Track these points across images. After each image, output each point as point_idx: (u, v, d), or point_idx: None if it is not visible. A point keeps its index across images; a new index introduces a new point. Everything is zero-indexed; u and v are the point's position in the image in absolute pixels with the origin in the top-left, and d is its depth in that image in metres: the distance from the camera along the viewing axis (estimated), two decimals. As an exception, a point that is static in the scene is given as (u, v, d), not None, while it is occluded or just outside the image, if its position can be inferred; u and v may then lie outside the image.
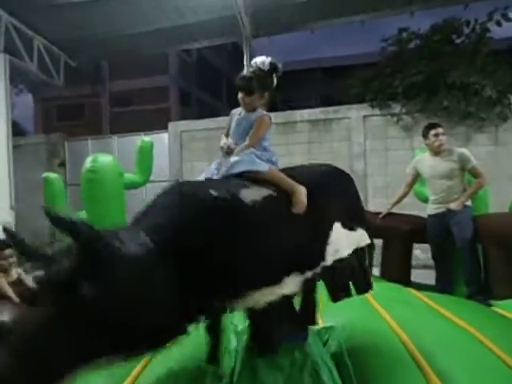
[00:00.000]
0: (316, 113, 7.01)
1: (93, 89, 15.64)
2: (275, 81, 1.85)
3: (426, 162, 3.50)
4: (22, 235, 1.16)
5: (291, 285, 1.52)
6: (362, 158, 6.72)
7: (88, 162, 3.92)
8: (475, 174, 3.29)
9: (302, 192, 1.60)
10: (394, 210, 3.77)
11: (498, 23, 6.41)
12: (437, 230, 3.45)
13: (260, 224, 1.45)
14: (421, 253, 5.39)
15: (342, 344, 1.98)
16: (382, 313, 2.44)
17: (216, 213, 1.36)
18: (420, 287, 3.58)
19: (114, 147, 8.94)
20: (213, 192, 1.39)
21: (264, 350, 1.60)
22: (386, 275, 3.81)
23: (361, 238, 1.93)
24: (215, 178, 1.67)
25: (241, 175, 1.60)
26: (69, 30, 7.90)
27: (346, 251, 1.78)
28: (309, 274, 1.61)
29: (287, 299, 1.60)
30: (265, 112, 1.81)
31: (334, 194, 1.84)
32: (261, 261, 1.42)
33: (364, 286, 1.92)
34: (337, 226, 1.77)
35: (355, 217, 1.94)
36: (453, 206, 3.27)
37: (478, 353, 1.91)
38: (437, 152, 3.39)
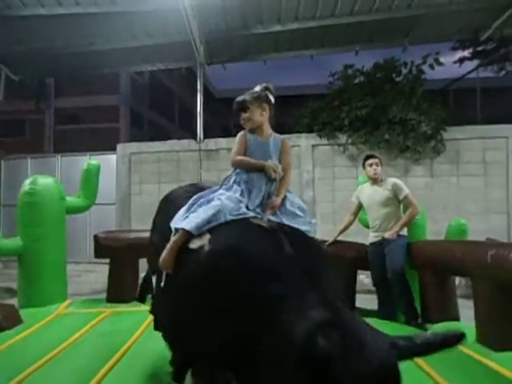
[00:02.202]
0: (267, 140, 7.17)
1: (36, 105, 14.89)
2: (272, 98, 1.87)
3: (365, 190, 3.69)
4: None
5: None
6: (310, 186, 6.95)
7: (26, 184, 3.67)
8: (407, 203, 3.46)
9: None
10: (340, 238, 3.90)
11: (431, 66, 7.05)
12: (376, 259, 3.58)
13: None
14: (365, 278, 5.60)
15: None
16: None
17: None
18: (363, 312, 3.69)
19: (57, 167, 8.51)
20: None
21: None
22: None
23: None
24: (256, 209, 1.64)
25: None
26: (12, 43, 7.54)
27: None
28: None
29: None
30: (280, 135, 1.87)
31: None
32: None
33: None
34: None
35: None
36: (387, 235, 3.41)
37: (413, 373, 1.99)
38: (374, 181, 3.60)
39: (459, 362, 2.22)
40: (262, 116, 1.80)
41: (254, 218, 1.56)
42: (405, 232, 3.49)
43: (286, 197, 1.71)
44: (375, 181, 3.59)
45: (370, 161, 3.59)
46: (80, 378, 2.06)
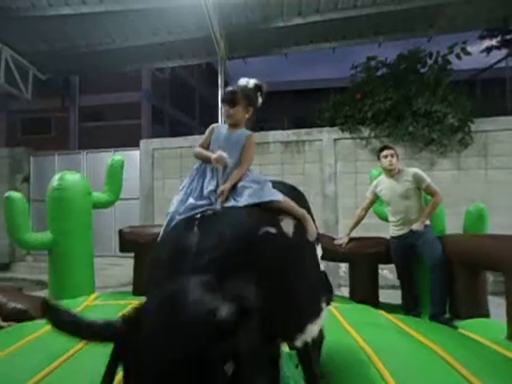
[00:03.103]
0: (288, 134, 7.15)
1: (61, 103, 15.30)
2: (260, 100, 1.86)
3: (383, 184, 3.59)
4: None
5: (324, 314, 1.55)
6: (332, 180, 6.88)
7: (55, 180, 3.77)
8: (430, 192, 3.37)
9: (310, 219, 1.70)
10: (362, 234, 3.86)
11: (458, 56, 6.83)
12: (401, 252, 3.52)
13: (302, 255, 1.53)
14: (389, 273, 5.53)
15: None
16: (353, 334, 2.47)
17: (278, 250, 1.37)
18: (388, 307, 3.65)
19: (82, 163, 8.72)
20: (270, 229, 1.39)
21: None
22: (354, 297, 3.86)
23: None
24: (206, 196, 1.61)
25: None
26: (39, 42, 7.77)
27: None
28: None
29: None
30: (249, 131, 1.81)
31: None
32: (310, 291, 1.47)
33: None
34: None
35: None
36: (415, 227, 3.34)
37: (443, 372, 1.96)
38: (390, 173, 3.50)
39: (490, 360, 2.17)
40: (243, 117, 1.80)
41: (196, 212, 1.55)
42: (428, 222, 3.42)
43: (239, 182, 1.66)
44: (391, 173, 3.50)
45: (384, 152, 3.51)
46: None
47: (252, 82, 1.84)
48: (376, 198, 3.74)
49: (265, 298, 1.08)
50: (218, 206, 1.54)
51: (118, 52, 8.16)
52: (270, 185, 1.68)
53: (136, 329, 0.90)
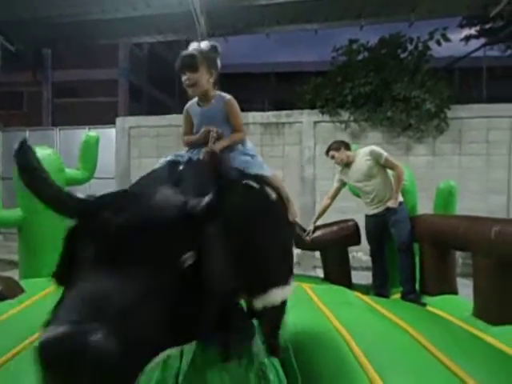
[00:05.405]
0: (268, 116, 7.09)
1: (34, 77, 14.59)
2: (219, 62, 1.69)
3: (346, 171, 3.62)
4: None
5: (290, 289, 1.55)
6: (311, 163, 6.90)
7: (25, 155, 3.63)
8: (390, 166, 3.38)
9: (293, 203, 1.76)
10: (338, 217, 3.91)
11: (438, 42, 6.89)
12: (376, 230, 3.57)
13: (281, 219, 1.56)
14: (363, 255, 5.65)
15: (287, 344, 2.00)
16: (327, 313, 2.51)
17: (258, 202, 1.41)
18: (362, 288, 3.74)
19: (56, 140, 8.42)
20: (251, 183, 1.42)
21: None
22: (328, 279, 3.93)
23: None
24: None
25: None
26: (9, 11, 7.33)
27: None
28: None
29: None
30: (226, 94, 1.67)
31: None
32: (281, 258, 1.47)
33: None
34: None
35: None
36: (390, 204, 3.37)
37: (414, 350, 2.02)
38: (347, 163, 3.54)
39: (456, 336, 2.26)
40: (208, 82, 1.61)
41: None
42: (401, 198, 3.48)
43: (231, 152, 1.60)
44: (346, 163, 3.54)
45: (328, 156, 3.60)
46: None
47: (205, 43, 1.66)
48: (342, 186, 3.77)
49: (229, 246, 1.09)
50: None
51: (93, 24, 7.83)
52: (259, 159, 1.67)
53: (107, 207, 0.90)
